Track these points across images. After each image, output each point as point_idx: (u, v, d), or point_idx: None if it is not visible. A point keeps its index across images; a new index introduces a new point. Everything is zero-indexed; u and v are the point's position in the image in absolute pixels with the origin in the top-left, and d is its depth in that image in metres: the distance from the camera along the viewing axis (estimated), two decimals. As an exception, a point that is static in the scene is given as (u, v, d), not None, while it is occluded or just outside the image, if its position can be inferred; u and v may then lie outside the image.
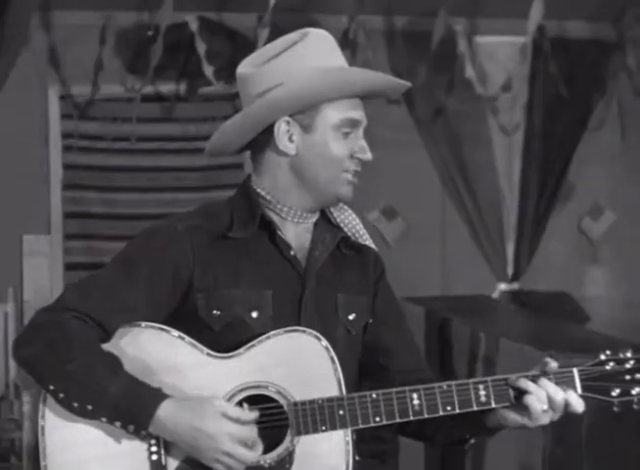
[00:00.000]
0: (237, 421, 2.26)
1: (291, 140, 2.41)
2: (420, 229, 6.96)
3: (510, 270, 6.96)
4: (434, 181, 6.99)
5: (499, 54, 6.79)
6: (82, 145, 6.73)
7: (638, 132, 6.99)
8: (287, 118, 2.40)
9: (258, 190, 2.46)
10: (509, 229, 7.01)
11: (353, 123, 2.42)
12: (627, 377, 2.34)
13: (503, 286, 6.91)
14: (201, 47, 6.20)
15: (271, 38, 6.06)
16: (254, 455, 2.28)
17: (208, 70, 6.15)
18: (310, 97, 2.38)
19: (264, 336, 2.33)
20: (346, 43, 6.46)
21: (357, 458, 2.46)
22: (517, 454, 3.82)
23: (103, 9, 6.37)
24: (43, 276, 6.46)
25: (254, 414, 2.27)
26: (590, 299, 7.08)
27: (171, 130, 6.77)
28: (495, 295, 6.90)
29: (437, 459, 4.35)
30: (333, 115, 2.41)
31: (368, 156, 2.47)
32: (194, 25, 6.26)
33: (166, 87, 6.66)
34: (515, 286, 6.95)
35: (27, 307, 6.38)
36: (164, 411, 2.25)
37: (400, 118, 6.79)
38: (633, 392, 2.34)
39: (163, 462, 2.28)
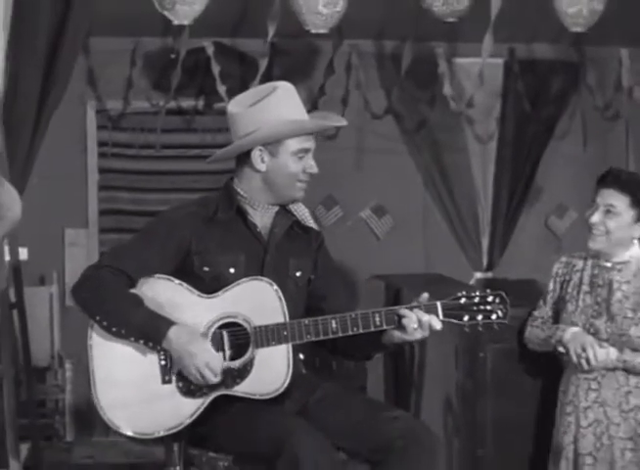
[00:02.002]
0: (214, 357, 3.23)
1: (262, 161, 3.41)
2: (405, 225, 7.37)
3: (485, 261, 7.38)
4: (418, 183, 7.40)
5: (475, 73, 6.63)
6: (115, 152, 7.16)
7: (597, 141, 7.34)
8: (260, 147, 3.39)
9: (238, 189, 3.46)
10: (484, 225, 7.39)
11: (306, 150, 3.42)
12: (474, 308, 3.29)
13: (479, 275, 7.34)
14: (215, 69, 6.51)
15: (276, 61, 6.64)
16: (214, 380, 3.23)
17: (222, 89, 6.40)
18: (276, 138, 3.37)
19: (235, 283, 3.32)
20: (331, 68, 6.90)
21: (304, 372, 3.47)
22: (441, 387, 4.66)
23: (132, 36, 6.79)
24: (81, 264, 6.42)
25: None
26: (555, 285, 7.61)
27: (191, 139, 7.18)
28: (472, 282, 7.14)
29: (393, 390, 5.24)
30: (292, 145, 3.40)
31: (315, 170, 3.45)
32: (210, 50, 6.62)
33: (187, 102, 7.11)
34: (489, 275, 7.34)
35: (68, 289, 6.33)
36: (173, 333, 3.25)
37: (388, 129, 7.25)
38: (478, 318, 3.30)
39: (168, 366, 3.29)
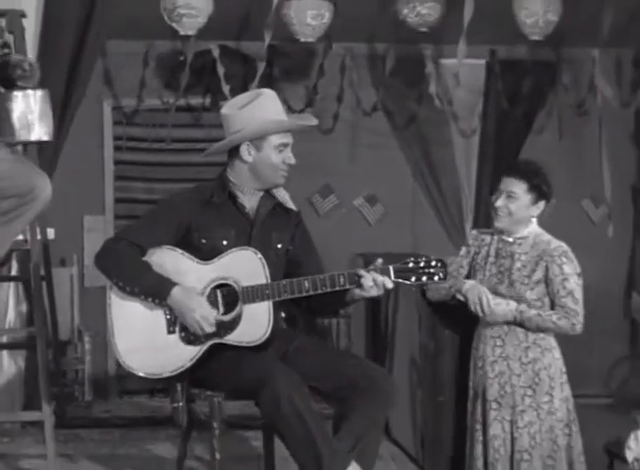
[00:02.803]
0: (208, 311, 3.83)
1: (249, 154, 4.04)
2: (395, 212, 7.70)
3: (468, 246, 7.85)
4: (407, 174, 7.71)
5: (460, 73, 6.81)
6: (129, 145, 7.44)
7: (572, 137, 7.63)
8: (247, 142, 4.01)
9: (229, 177, 4.10)
10: (467, 213, 7.70)
11: (285, 145, 4.03)
12: (420, 271, 3.90)
13: (463, 258, 7.78)
14: (220, 70, 6.84)
15: (277, 62, 7.06)
16: (211, 329, 3.81)
17: (226, 88, 6.75)
18: (261, 135, 3.97)
19: (227, 252, 3.95)
20: (322, 70, 7.22)
21: (285, 327, 4.11)
22: (408, 347, 5.25)
23: (145, 39, 7.11)
24: (99, 247, 7.21)
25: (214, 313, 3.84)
26: (533, 269, 7.84)
27: (198, 134, 7.40)
28: (456, 265, 7.71)
29: (372, 352, 5.76)
30: (274, 140, 4.01)
31: (293, 161, 4.05)
32: (216, 52, 6.93)
33: (195, 100, 7.40)
34: (473, 257, 7.71)
35: (87, 271, 7.17)
36: (175, 292, 3.87)
37: (380, 125, 7.57)
38: (423, 279, 3.90)
39: (172, 320, 3.92)
